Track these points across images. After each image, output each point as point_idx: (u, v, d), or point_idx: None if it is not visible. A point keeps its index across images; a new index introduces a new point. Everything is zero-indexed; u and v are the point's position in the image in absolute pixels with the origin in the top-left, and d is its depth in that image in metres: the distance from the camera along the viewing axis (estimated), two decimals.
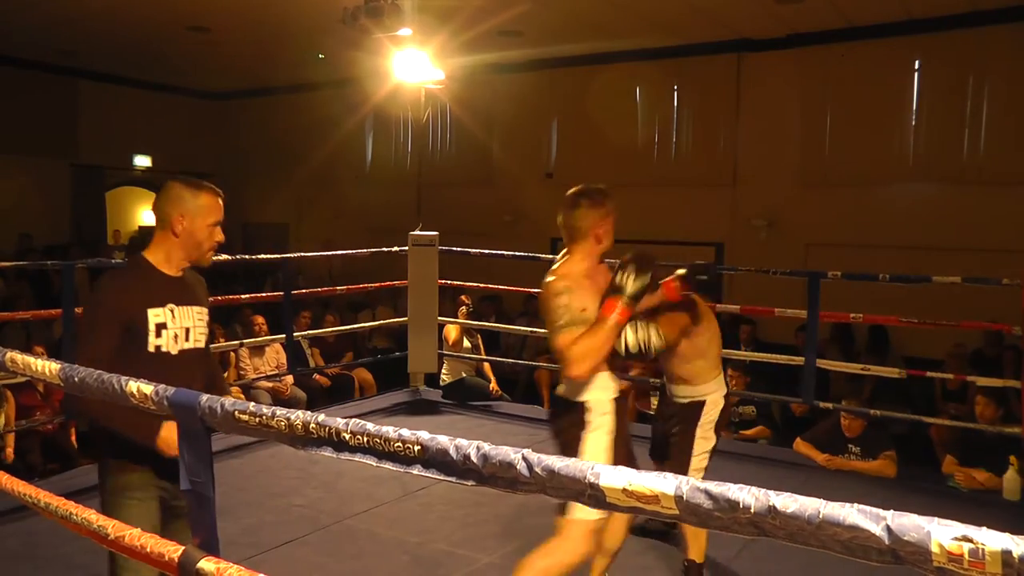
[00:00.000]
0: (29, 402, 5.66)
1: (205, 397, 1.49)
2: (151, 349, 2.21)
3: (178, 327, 2.26)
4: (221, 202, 2.37)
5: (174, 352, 2.25)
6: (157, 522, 2.23)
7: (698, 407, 3.05)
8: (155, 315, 2.21)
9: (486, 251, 6.31)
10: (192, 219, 2.27)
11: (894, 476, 4.46)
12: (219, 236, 2.35)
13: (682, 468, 3.02)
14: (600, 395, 2.54)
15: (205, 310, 2.39)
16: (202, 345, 2.37)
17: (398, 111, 10.49)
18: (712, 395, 3.06)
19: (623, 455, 2.56)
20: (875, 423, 4.73)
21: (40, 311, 5.08)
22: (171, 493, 2.24)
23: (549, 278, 2.52)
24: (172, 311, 2.25)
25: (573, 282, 2.47)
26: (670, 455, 3.15)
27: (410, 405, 5.97)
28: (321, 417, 1.36)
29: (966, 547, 0.83)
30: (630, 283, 2.40)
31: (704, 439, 3.03)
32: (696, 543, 3.07)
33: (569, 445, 2.50)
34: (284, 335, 5.70)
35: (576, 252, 2.57)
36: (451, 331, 6.38)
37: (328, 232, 11.71)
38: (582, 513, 2.41)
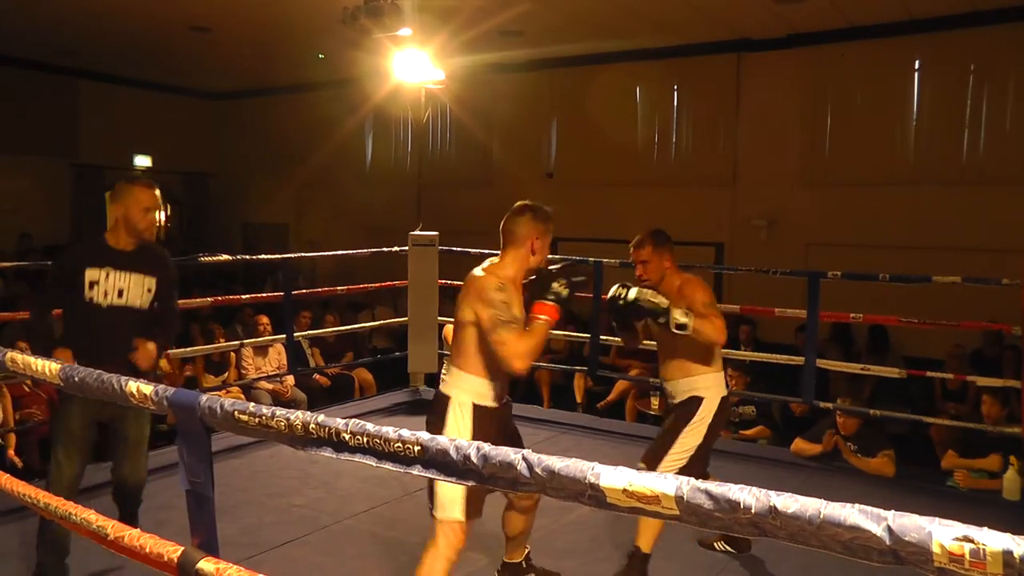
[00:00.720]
0: (17, 393, 5.67)
1: (205, 397, 1.49)
2: (85, 299, 2.93)
3: (110, 286, 2.96)
4: (153, 192, 3.06)
5: (104, 305, 2.95)
6: (82, 424, 2.95)
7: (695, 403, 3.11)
8: (91, 274, 2.94)
9: (486, 251, 6.28)
10: (127, 206, 2.99)
11: (892, 475, 4.46)
12: (151, 219, 3.04)
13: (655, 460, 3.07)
14: (464, 397, 2.64)
15: (152, 279, 3.05)
16: (137, 305, 3.02)
17: (398, 111, 10.48)
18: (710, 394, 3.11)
19: None
20: (870, 422, 4.73)
21: None
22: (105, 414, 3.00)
23: (481, 274, 2.65)
24: (108, 274, 2.96)
25: (509, 283, 2.61)
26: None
27: (410, 405, 5.97)
28: (321, 417, 1.36)
29: (967, 547, 0.83)
30: (564, 290, 2.59)
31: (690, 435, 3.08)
32: (647, 532, 3.06)
33: None
34: (284, 335, 5.71)
35: (507, 257, 2.70)
36: (450, 331, 6.37)
37: (328, 232, 11.71)
38: (447, 513, 2.58)
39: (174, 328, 3.40)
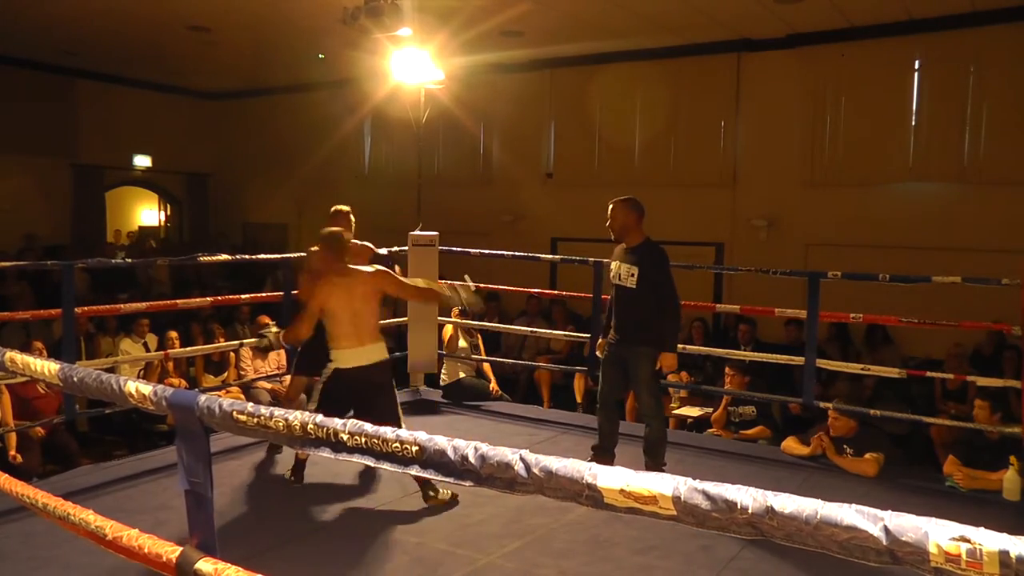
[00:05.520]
0: (30, 394, 5.66)
1: (204, 398, 1.49)
2: (611, 281, 4.43)
3: (614, 271, 4.42)
4: (615, 206, 4.44)
5: (615, 283, 4.34)
6: None
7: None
8: (613, 266, 4.43)
9: (486, 251, 6.30)
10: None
11: (873, 475, 4.43)
12: (616, 226, 4.41)
13: None
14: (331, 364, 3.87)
15: (634, 268, 4.26)
16: (631, 286, 4.26)
17: (397, 111, 10.46)
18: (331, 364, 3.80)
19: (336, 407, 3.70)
20: (869, 424, 4.71)
21: (40, 311, 5.08)
22: None
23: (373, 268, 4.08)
24: (618, 264, 4.38)
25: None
26: None
27: (410, 405, 5.96)
28: (319, 417, 1.36)
29: (964, 547, 0.83)
30: None
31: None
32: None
33: None
34: None
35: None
36: (447, 331, 6.38)
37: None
38: None
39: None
